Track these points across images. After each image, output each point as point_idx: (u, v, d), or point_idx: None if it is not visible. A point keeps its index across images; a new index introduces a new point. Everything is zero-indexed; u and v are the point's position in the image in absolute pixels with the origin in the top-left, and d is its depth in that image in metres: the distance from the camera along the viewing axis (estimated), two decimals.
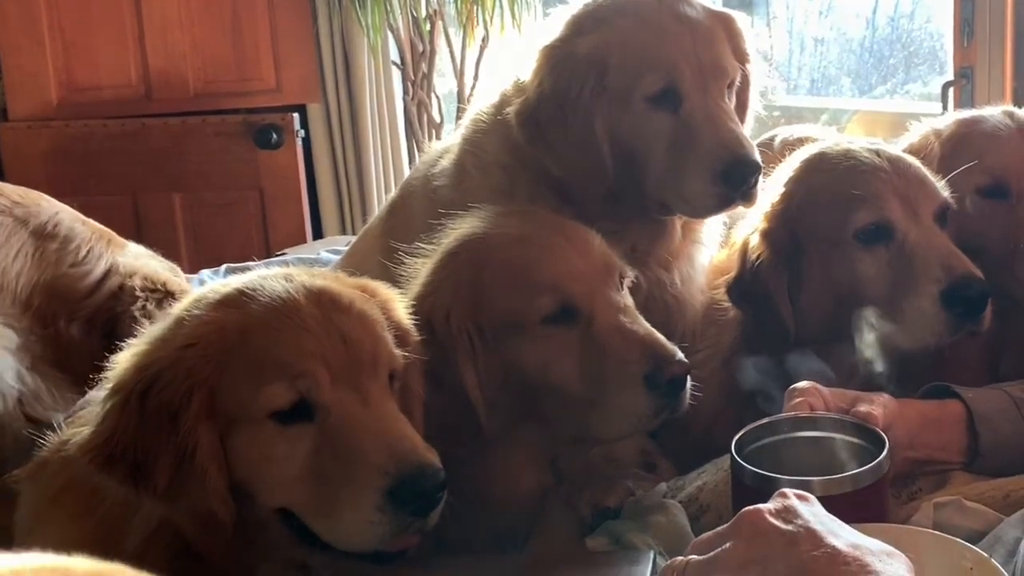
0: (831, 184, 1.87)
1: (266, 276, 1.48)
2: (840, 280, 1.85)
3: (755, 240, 1.91)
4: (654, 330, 1.66)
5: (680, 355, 1.63)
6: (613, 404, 1.61)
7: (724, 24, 2.02)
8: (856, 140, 2.00)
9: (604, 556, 1.59)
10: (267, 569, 1.47)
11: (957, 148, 2.08)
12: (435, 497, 1.36)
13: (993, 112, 2.15)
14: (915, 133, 2.20)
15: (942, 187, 1.90)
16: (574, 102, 1.93)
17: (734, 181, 1.90)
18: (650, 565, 1.50)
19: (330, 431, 1.36)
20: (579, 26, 2.00)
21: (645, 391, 1.60)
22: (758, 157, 1.93)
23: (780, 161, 2.05)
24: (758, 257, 1.88)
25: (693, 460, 1.83)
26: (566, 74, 1.95)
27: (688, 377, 1.64)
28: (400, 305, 1.58)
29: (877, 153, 1.90)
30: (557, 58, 1.97)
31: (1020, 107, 2.21)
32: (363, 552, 1.38)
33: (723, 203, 1.95)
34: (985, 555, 1.21)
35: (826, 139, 2.27)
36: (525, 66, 2.06)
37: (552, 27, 2.04)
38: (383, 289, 1.59)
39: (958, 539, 1.28)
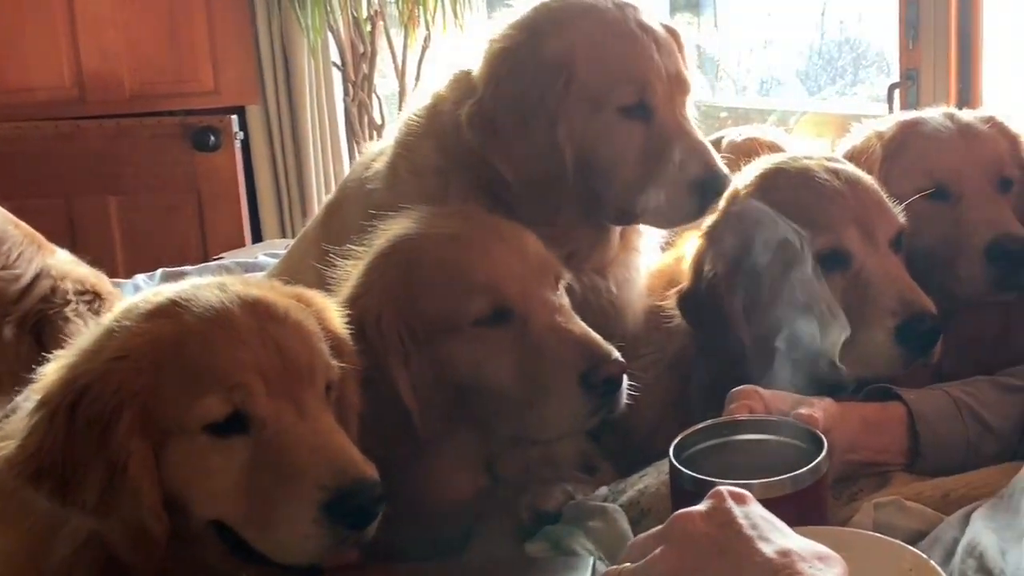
0: (788, 205, 1.84)
1: (199, 286, 1.45)
2: (795, 304, 1.84)
3: (711, 254, 1.89)
4: (590, 330, 1.64)
5: (616, 354, 1.61)
6: (549, 404, 1.60)
7: (674, 37, 2.02)
8: (813, 154, 1.98)
9: (543, 562, 1.57)
10: None
11: (898, 150, 2.10)
12: (373, 511, 1.35)
13: (934, 114, 2.17)
14: (857, 135, 2.21)
15: (899, 213, 1.90)
16: (535, 106, 1.89)
17: (710, 192, 1.89)
18: (589, 571, 1.48)
19: (266, 444, 1.34)
20: (536, 28, 1.95)
21: (580, 391, 1.58)
22: (727, 170, 1.93)
23: (728, 164, 2.03)
24: (713, 272, 1.87)
25: (636, 465, 1.82)
26: (528, 76, 1.90)
27: (625, 377, 1.62)
28: (335, 314, 1.56)
29: (836, 174, 1.88)
30: (517, 60, 1.92)
31: (964, 109, 2.24)
32: (299, 566, 1.36)
33: (696, 214, 1.94)
34: (924, 556, 1.21)
35: (781, 148, 2.28)
36: (460, 66, 2.02)
37: (499, 29, 1.99)
38: (318, 298, 1.57)
39: (897, 541, 1.28)
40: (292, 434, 1.35)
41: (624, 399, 1.63)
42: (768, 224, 1.84)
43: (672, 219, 1.99)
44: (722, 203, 1.93)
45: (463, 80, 2.01)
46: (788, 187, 1.89)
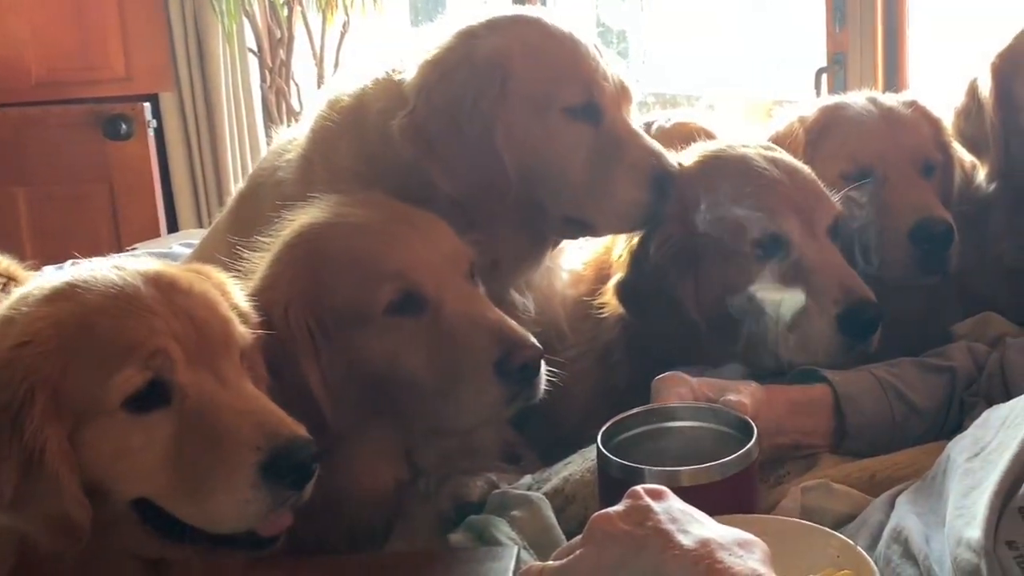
0: (727, 193, 1.84)
1: (93, 267, 1.41)
2: (736, 290, 1.83)
3: (655, 242, 1.87)
4: (506, 316, 1.61)
5: (533, 340, 1.58)
6: (464, 393, 1.57)
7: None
8: (750, 143, 1.98)
9: (465, 552, 1.56)
10: (120, 570, 1.41)
11: (821, 135, 2.10)
12: (310, 468, 1.34)
13: (857, 98, 2.18)
14: (780, 121, 2.21)
15: (836, 200, 1.91)
16: (470, 111, 1.81)
17: (665, 189, 1.85)
18: (513, 560, 1.47)
19: (190, 414, 1.32)
20: (473, 35, 1.89)
21: (496, 378, 1.55)
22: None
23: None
24: (660, 260, 1.85)
25: (564, 455, 1.80)
26: (460, 82, 1.83)
27: (542, 363, 1.60)
28: (235, 287, 1.54)
29: (774, 163, 1.88)
30: (450, 65, 1.85)
31: (889, 93, 2.25)
32: (236, 535, 1.34)
33: (648, 213, 1.88)
34: (850, 541, 1.22)
35: (711, 133, 2.27)
36: (388, 63, 1.95)
37: (434, 39, 1.92)
38: (216, 272, 1.54)
39: (823, 527, 1.28)
40: (216, 401, 1.33)
41: (543, 386, 1.61)
42: (712, 209, 1.84)
43: (630, 219, 1.90)
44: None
45: (393, 87, 1.92)
46: (727, 174, 1.88)
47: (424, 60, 1.88)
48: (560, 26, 1.92)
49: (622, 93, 1.92)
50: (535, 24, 1.91)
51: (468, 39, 1.88)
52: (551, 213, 1.90)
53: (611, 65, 1.93)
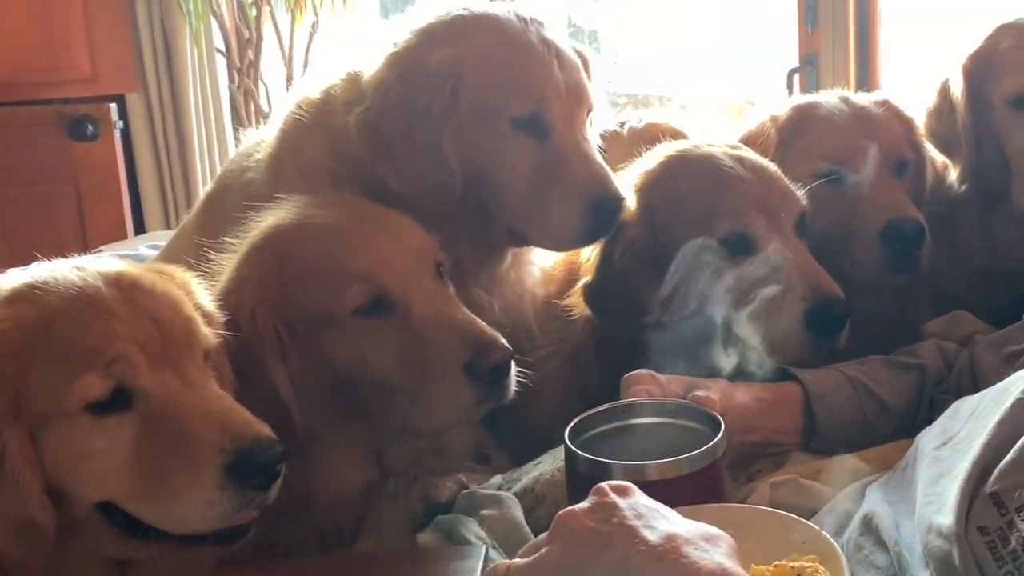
0: (693, 192, 1.84)
1: (54, 268, 1.39)
2: (702, 290, 1.81)
3: (620, 244, 1.86)
4: (475, 317, 1.61)
5: (502, 341, 1.58)
6: (434, 395, 1.56)
7: (582, 59, 1.97)
8: (716, 142, 1.97)
9: (434, 552, 1.55)
10: (85, 572, 1.40)
11: (793, 134, 2.10)
12: (275, 468, 1.33)
13: (829, 97, 2.18)
14: (752, 120, 2.21)
15: (802, 196, 1.90)
16: (422, 116, 1.82)
17: (604, 217, 1.83)
18: (481, 559, 1.47)
19: (154, 416, 1.31)
20: (432, 36, 1.89)
21: (466, 380, 1.55)
22: (623, 191, 1.88)
23: (629, 149, 2.01)
24: (626, 261, 1.85)
25: (534, 456, 1.79)
26: (414, 85, 1.84)
27: (512, 364, 1.59)
28: (200, 287, 1.52)
29: (740, 161, 1.88)
30: (406, 67, 1.86)
31: (861, 92, 2.25)
32: (202, 535, 1.33)
33: (588, 238, 1.87)
34: (816, 528, 1.22)
35: (682, 133, 2.27)
36: (357, 61, 1.95)
37: (400, 35, 1.92)
38: (179, 272, 1.53)
39: (789, 514, 1.28)
40: (180, 403, 1.32)
41: (513, 386, 1.60)
42: (677, 209, 1.84)
43: (565, 242, 1.91)
44: (629, 191, 1.90)
45: (357, 81, 1.93)
46: (692, 174, 1.88)
47: (386, 56, 1.88)
48: (521, 30, 1.88)
49: (575, 100, 1.89)
50: (494, 29, 1.89)
51: (427, 40, 1.88)
52: (497, 222, 1.90)
53: (572, 71, 1.89)
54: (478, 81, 1.84)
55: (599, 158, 1.89)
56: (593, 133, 1.99)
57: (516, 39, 1.87)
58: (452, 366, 1.55)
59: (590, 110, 1.95)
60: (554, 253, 2.07)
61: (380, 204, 1.83)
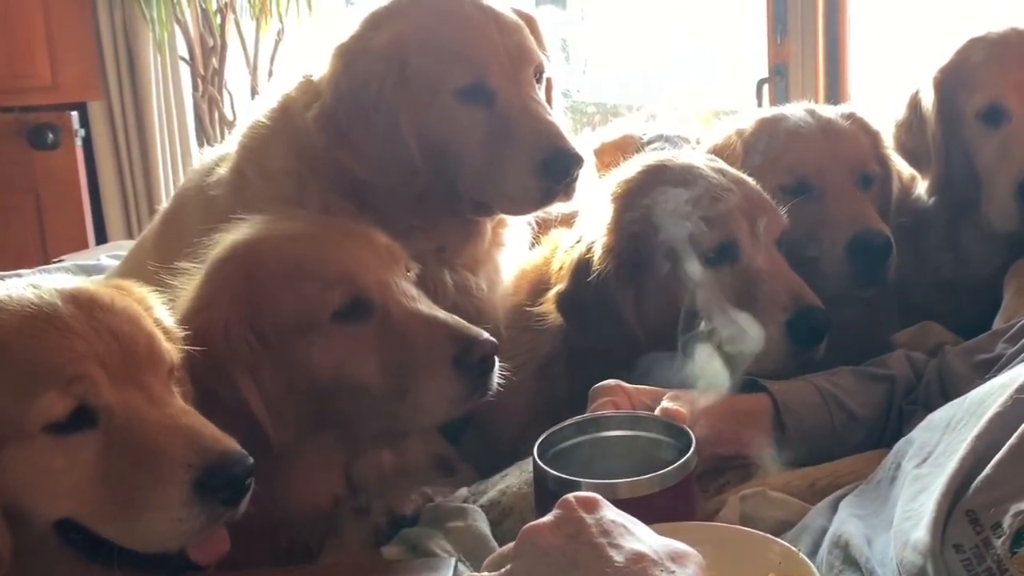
0: (675, 199, 1.82)
1: (8, 287, 1.36)
2: (682, 300, 1.79)
3: (598, 253, 1.84)
4: (452, 314, 1.61)
5: (486, 334, 1.58)
6: (423, 392, 1.56)
7: (526, 20, 1.99)
8: (695, 155, 1.97)
9: (405, 564, 1.53)
10: None
11: (759, 147, 2.09)
12: (244, 483, 1.31)
13: (795, 110, 2.18)
14: (718, 133, 2.20)
15: (783, 213, 1.90)
16: (375, 99, 1.86)
17: (557, 173, 1.84)
18: (451, 571, 1.44)
19: (118, 433, 1.29)
20: (374, 22, 1.93)
21: (455, 374, 1.55)
22: (580, 149, 1.88)
23: (602, 163, 2.02)
24: (603, 271, 1.82)
25: (502, 468, 1.78)
26: (363, 71, 1.87)
27: (496, 357, 1.59)
28: (158, 303, 1.50)
29: (722, 172, 1.88)
30: (352, 55, 1.90)
31: (830, 104, 2.24)
32: (166, 557, 1.30)
33: (545, 197, 1.89)
34: (792, 547, 1.21)
35: (656, 143, 2.26)
36: (314, 65, 1.97)
37: (348, 27, 1.96)
38: (137, 288, 1.50)
39: (765, 533, 1.27)
40: (145, 419, 1.30)
41: (496, 380, 1.60)
42: (657, 219, 1.82)
43: (523, 204, 1.94)
44: (607, 200, 1.90)
45: (311, 83, 1.97)
46: (674, 183, 1.86)
47: (332, 51, 1.92)
48: (457, 2, 1.92)
49: (520, 61, 1.91)
50: (431, 5, 1.94)
51: (369, 26, 1.93)
52: (463, 195, 1.92)
53: (513, 33, 1.92)
54: (421, 57, 1.88)
55: (548, 116, 1.89)
56: (556, 95, 2.03)
57: (453, 10, 1.92)
58: (440, 361, 1.55)
59: (540, 71, 1.97)
60: (521, 217, 2.07)
61: (349, 201, 1.88)
